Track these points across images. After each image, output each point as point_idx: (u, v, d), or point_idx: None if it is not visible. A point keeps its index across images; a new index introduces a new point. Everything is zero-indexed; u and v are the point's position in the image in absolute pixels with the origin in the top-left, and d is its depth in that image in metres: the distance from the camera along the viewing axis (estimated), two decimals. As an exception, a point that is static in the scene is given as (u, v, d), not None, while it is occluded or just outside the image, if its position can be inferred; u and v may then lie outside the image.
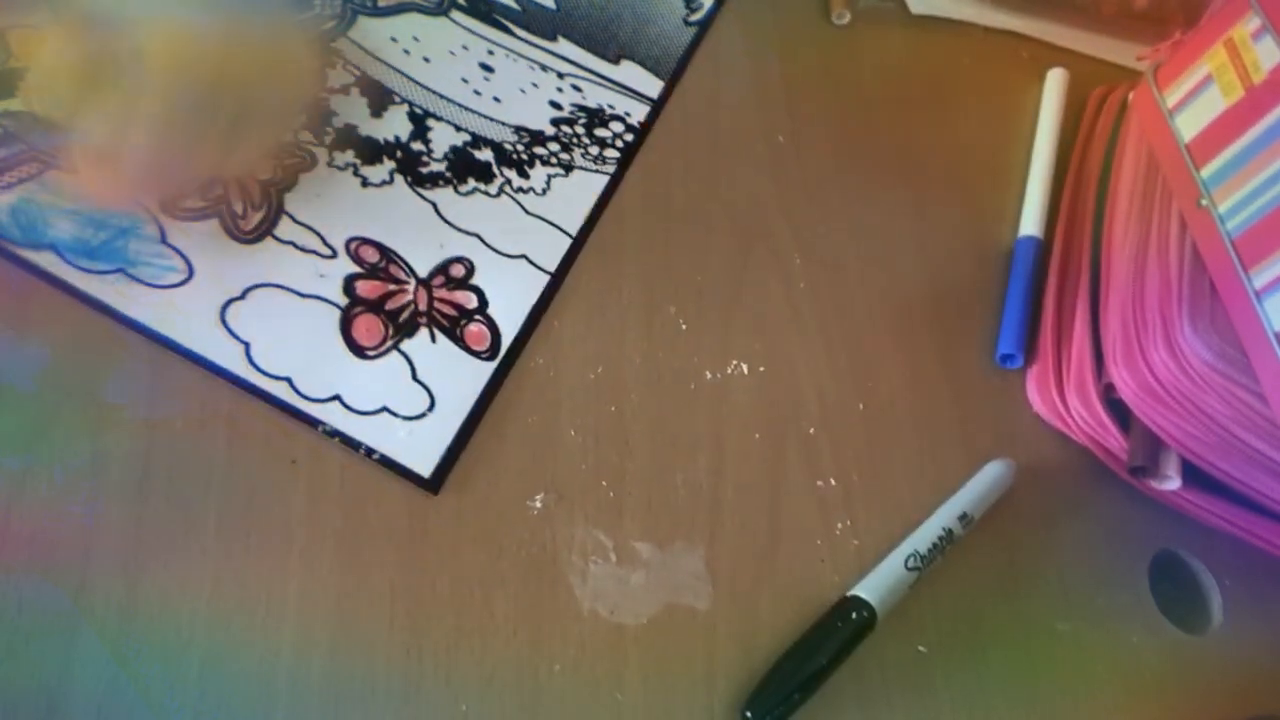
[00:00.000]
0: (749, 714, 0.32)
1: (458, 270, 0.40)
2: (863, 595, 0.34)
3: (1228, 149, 0.41)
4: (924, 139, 0.50)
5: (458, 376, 0.37)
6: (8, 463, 0.31)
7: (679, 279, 0.42)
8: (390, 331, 0.37)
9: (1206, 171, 0.41)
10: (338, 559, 0.32)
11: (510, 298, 0.39)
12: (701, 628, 0.34)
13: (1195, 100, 0.44)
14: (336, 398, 0.35)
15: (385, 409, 0.35)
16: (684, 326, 0.40)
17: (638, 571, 0.34)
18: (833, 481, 0.38)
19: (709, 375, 0.39)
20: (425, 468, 0.34)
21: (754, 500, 0.37)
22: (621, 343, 0.39)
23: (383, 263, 0.39)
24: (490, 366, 0.37)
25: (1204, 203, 0.41)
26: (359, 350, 0.36)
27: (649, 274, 0.41)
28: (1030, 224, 0.48)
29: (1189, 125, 0.44)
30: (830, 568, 0.36)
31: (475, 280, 0.39)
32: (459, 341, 0.38)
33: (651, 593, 0.34)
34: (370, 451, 0.34)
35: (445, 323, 0.38)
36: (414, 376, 0.37)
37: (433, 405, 0.36)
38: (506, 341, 0.38)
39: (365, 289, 0.38)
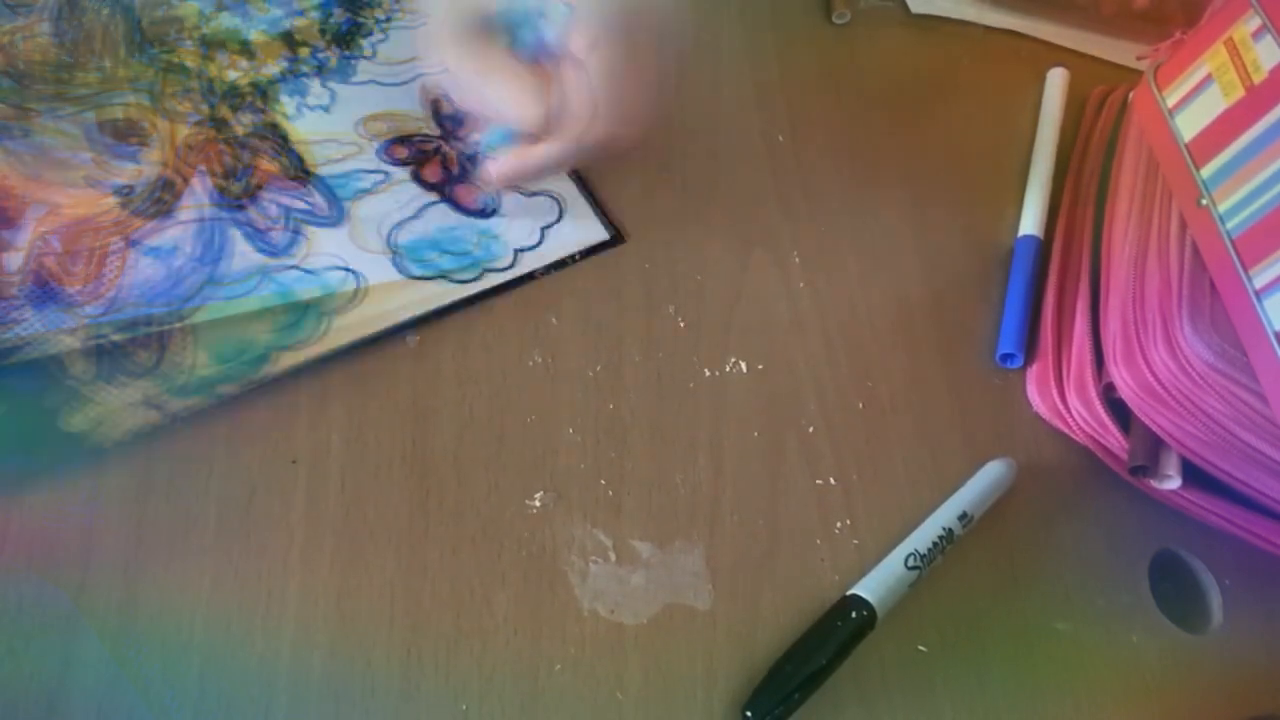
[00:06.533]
0: (749, 713, 0.32)
1: (448, 106, 0.43)
2: (862, 595, 0.34)
3: (1228, 149, 0.41)
4: (924, 139, 0.50)
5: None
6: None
7: (678, 278, 0.42)
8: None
9: (1206, 171, 0.41)
10: (338, 559, 0.32)
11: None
12: (701, 627, 0.34)
13: (1195, 100, 0.44)
14: (518, 251, 0.40)
15: (542, 228, 0.41)
16: (683, 324, 0.40)
17: (637, 571, 0.34)
18: (833, 481, 0.38)
19: (708, 373, 0.39)
20: (602, 234, 0.41)
21: (754, 500, 0.37)
22: (620, 341, 0.39)
23: (398, 136, 0.42)
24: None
25: (1204, 202, 0.41)
26: (477, 214, 0.41)
27: (648, 273, 0.41)
28: (1030, 224, 0.48)
29: (1189, 125, 0.44)
30: (830, 567, 0.36)
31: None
32: None
33: (651, 592, 0.34)
34: (574, 257, 0.40)
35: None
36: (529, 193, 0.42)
37: (562, 209, 0.42)
38: None
39: (428, 174, 0.41)
